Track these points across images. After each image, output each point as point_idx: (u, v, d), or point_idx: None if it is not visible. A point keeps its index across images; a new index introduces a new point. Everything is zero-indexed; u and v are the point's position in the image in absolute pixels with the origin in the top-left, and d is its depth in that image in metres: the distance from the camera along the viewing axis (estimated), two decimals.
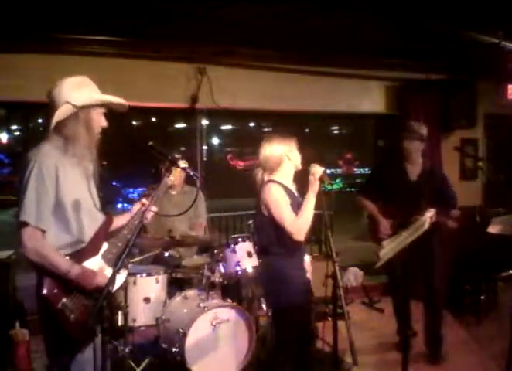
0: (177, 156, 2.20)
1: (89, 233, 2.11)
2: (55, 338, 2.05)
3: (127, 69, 4.40)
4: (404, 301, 3.56)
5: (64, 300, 1.98)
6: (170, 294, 3.51)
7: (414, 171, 3.71)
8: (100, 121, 2.14)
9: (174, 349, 3.12)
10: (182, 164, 2.14)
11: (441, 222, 3.41)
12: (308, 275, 2.92)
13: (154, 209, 2.21)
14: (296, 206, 2.70)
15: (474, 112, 5.71)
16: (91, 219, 2.13)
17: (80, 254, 2.06)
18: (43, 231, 1.98)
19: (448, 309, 3.88)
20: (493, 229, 3.29)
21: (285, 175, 2.78)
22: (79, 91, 2.07)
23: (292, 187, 2.81)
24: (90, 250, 2.10)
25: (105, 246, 2.16)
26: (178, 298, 3.45)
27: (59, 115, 2.04)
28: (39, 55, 4.07)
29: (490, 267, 4.68)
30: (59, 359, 2.09)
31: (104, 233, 2.18)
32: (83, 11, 3.56)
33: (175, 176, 2.23)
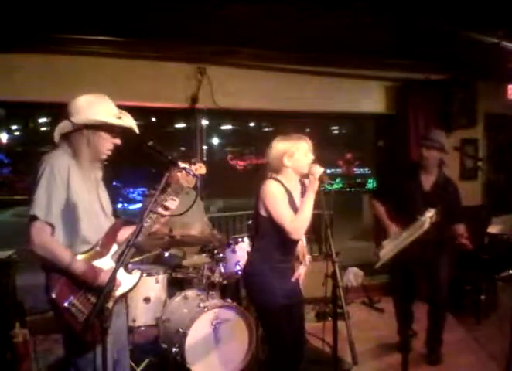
0: (195, 159, 2.28)
1: (96, 235, 2.15)
2: (67, 337, 2.12)
3: (127, 69, 4.40)
4: (405, 302, 3.54)
5: (71, 298, 2.01)
6: (170, 294, 3.51)
7: (428, 181, 3.62)
8: (109, 140, 2.17)
9: (174, 349, 3.12)
10: (183, 165, 2.15)
11: (448, 237, 3.40)
12: (302, 278, 2.85)
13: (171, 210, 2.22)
14: (293, 208, 2.68)
15: (474, 112, 5.70)
16: (98, 222, 2.18)
17: (87, 255, 2.10)
18: (52, 226, 2.03)
19: (449, 309, 3.87)
20: (493, 229, 3.30)
21: (289, 176, 2.72)
22: (85, 109, 2.11)
23: (295, 189, 2.75)
24: (99, 251, 2.14)
25: (115, 247, 2.19)
26: (178, 298, 3.46)
27: (59, 129, 2.13)
28: (39, 55, 4.07)
29: (490, 267, 4.68)
30: (71, 357, 2.11)
31: (113, 236, 2.22)
32: (83, 11, 3.55)
33: (187, 179, 2.23)
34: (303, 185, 2.77)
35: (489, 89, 5.61)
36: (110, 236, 2.20)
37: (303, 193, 2.72)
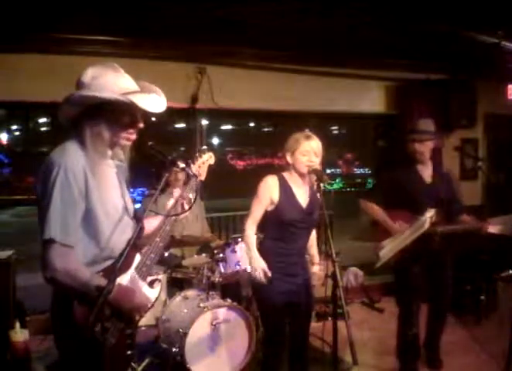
0: (204, 149, 2.24)
1: (120, 245, 1.81)
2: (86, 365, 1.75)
3: (127, 69, 4.36)
4: (412, 303, 3.46)
5: (101, 324, 1.63)
6: (170, 294, 3.51)
7: (426, 173, 3.51)
8: (114, 125, 1.86)
9: (174, 349, 3.12)
10: (182, 165, 1.99)
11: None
12: (316, 279, 2.90)
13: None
14: (292, 206, 2.69)
15: (474, 112, 5.70)
16: (123, 229, 1.88)
17: (112, 270, 1.75)
18: (71, 247, 1.72)
19: (449, 309, 3.86)
20: (492, 229, 3.28)
21: (293, 173, 2.74)
22: (88, 86, 1.88)
23: (300, 187, 2.76)
24: (123, 264, 1.73)
25: (138, 258, 1.92)
26: (178, 298, 3.46)
27: (62, 113, 1.87)
28: (39, 55, 4.07)
29: (490, 267, 4.67)
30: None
31: (136, 244, 1.87)
32: (83, 11, 3.55)
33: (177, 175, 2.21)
34: (313, 187, 2.75)
35: (489, 89, 5.60)
36: (133, 246, 1.75)
37: (311, 194, 2.77)
